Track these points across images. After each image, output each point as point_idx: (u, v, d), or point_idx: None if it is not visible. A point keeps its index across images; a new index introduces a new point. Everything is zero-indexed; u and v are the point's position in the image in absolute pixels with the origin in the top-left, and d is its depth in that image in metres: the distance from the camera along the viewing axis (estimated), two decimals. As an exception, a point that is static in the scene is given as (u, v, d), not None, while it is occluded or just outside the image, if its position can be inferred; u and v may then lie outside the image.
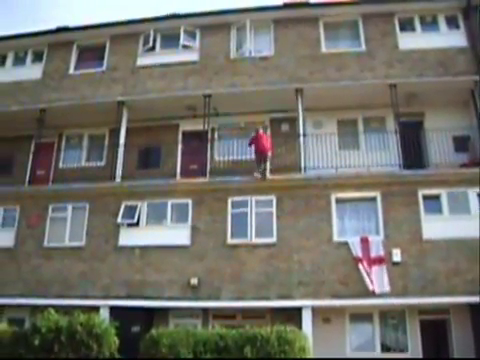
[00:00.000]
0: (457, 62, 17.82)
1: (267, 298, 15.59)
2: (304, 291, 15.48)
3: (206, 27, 19.89)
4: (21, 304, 17.60)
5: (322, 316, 15.79)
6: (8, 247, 18.26)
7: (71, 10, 59.45)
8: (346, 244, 15.75)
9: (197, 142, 18.52)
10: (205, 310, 16.71)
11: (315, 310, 15.34)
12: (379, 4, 18.95)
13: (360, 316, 15.94)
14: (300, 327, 14.28)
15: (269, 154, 17.15)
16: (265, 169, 16.91)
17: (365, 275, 15.15)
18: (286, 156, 17.90)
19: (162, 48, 20.02)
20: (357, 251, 15.54)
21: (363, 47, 18.63)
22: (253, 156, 17.37)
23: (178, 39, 19.70)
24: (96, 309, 15.52)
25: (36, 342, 12.33)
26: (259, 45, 19.41)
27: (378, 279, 15.07)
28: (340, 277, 15.45)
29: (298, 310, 15.29)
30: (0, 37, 21.69)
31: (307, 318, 15.11)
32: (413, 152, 17.07)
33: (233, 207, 16.82)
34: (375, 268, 15.25)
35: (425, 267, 15.24)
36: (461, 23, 18.58)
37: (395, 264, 15.30)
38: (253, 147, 17.29)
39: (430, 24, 18.87)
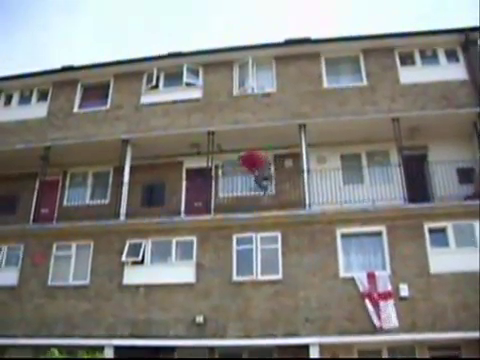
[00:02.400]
0: (458, 95, 17.95)
1: (274, 336, 15.37)
2: (311, 328, 15.27)
3: (209, 65, 20.11)
4: (24, 344, 17.39)
5: (330, 353, 15.43)
6: (12, 286, 18.14)
7: (74, 50, 60.32)
8: (352, 280, 15.58)
9: (201, 179, 18.53)
10: (211, 348, 16.43)
11: (322, 347, 15.08)
12: (379, 39, 19.16)
13: (369, 353, 15.56)
14: None
15: (265, 163, 17.40)
16: (266, 185, 17.06)
17: (372, 311, 14.95)
18: (290, 192, 17.89)
19: (165, 86, 20.24)
20: (364, 287, 15.36)
21: (365, 82, 18.80)
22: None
23: (181, 77, 19.90)
24: (100, 348, 15.46)
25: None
26: (261, 82, 19.58)
27: (386, 315, 14.88)
28: (347, 313, 15.25)
29: (305, 347, 15.04)
30: (6, 77, 22.00)
31: (315, 355, 14.88)
32: (417, 185, 17.11)
33: (238, 244, 16.74)
34: (382, 303, 15.04)
35: (433, 301, 15.03)
36: (461, 56, 18.80)
37: (403, 299, 15.09)
38: (246, 166, 17.60)
39: (430, 58, 19.08)
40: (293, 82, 19.19)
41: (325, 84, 18.99)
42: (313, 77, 19.14)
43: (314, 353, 14.91)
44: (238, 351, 16.25)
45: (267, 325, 15.54)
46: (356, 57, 19.35)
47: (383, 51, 19.12)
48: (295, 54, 19.63)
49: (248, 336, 15.52)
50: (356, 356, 15.59)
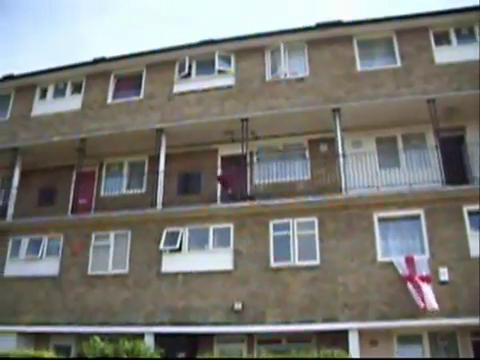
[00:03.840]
0: (495, 73, 17.47)
1: (312, 321, 15.35)
2: (350, 313, 15.20)
3: (240, 51, 20.00)
4: (67, 332, 17.84)
5: (369, 339, 15.36)
6: (53, 276, 18.63)
7: (107, 42, 60.77)
8: (391, 264, 15.39)
9: (236, 166, 18.51)
10: (250, 335, 16.55)
11: (362, 332, 15.02)
12: (413, 19, 18.67)
13: (409, 338, 15.44)
14: (347, 350, 14.01)
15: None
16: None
17: (415, 294, 14.68)
18: (326, 177, 17.78)
19: (198, 74, 20.22)
20: (403, 271, 15.18)
21: (399, 63, 18.41)
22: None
23: (213, 64, 19.89)
24: (140, 336, 15.63)
25: (83, 370, 12.44)
26: (294, 67, 19.39)
27: (427, 298, 14.66)
28: (386, 298, 15.11)
29: (344, 333, 14.98)
30: (40, 71, 22.28)
31: (354, 341, 14.80)
32: (455, 167, 16.69)
33: (275, 230, 16.74)
34: (423, 286, 14.81)
35: (474, 286, 14.66)
36: (497, 33, 18.25)
37: (443, 283, 14.86)
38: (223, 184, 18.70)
39: (466, 36, 18.53)
40: (326, 66, 18.93)
41: (358, 67, 18.67)
42: (346, 60, 18.84)
43: (353, 339, 14.84)
44: (277, 337, 16.27)
45: (305, 311, 15.53)
46: (389, 38, 18.93)
47: (417, 31, 18.63)
48: (327, 38, 19.31)
49: (286, 322, 15.53)
50: (395, 342, 15.42)
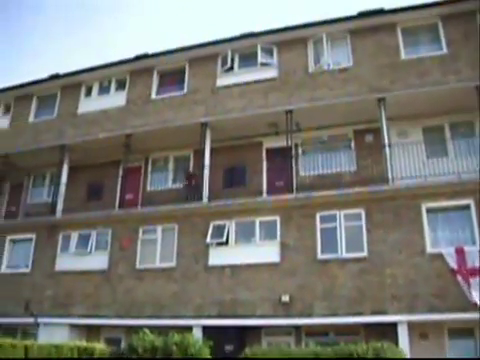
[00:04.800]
0: None
1: (360, 314, 15.21)
2: (398, 306, 14.98)
3: (282, 43, 19.88)
4: (117, 324, 18.20)
5: (419, 331, 15.08)
6: (102, 269, 19.01)
7: (150, 38, 61.28)
8: (440, 256, 15.10)
9: (281, 158, 18.47)
10: (298, 327, 16.53)
11: (411, 325, 14.76)
12: (459, 4, 18.09)
13: (460, 331, 15.01)
14: (396, 343, 13.69)
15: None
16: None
17: (465, 287, 14.43)
18: (372, 168, 17.54)
19: (240, 67, 20.20)
20: (453, 262, 14.89)
21: (445, 50, 17.92)
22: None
23: (256, 57, 19.83)
24: (189, 329, 15.73)
25: (134, 361, 12.62)
26: (337, 57, 19.18)
27: (476, 291, 14.36)
28: (436, 290, 14.82)
29: (393, 325, 14.78)
30: (85, 69, 22.71)
31: (403, 334, 14.56)
32: (506, 156, 16.31)
33: (322, 222, 16.66)
34: (472, 280, 14.51)
35: None
36: None
37: (494, 275, 14.48)
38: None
39: (515, 19, 17.94)
40: (369, 55, 18.63)
41: (403, 55, 18.28)
42: (390, 49, 18.48)
43: (402, 331, 14.61)
44: (324, 330, 16.19)
45: (353, 303, 15.40)
46: (434, 25, 18.44)
47: (463, 16, 18.04)
48: (370, 26, 18.98)
49: (334, 314, 15.45)
50: (446, 335, 15.06)
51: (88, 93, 22.89)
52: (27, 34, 67.39)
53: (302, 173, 18.89)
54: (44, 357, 13.29)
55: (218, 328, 16.23)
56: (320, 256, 16.25)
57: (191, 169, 20.54)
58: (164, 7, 64.09)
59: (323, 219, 16.68)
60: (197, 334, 15.61)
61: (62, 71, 23.49)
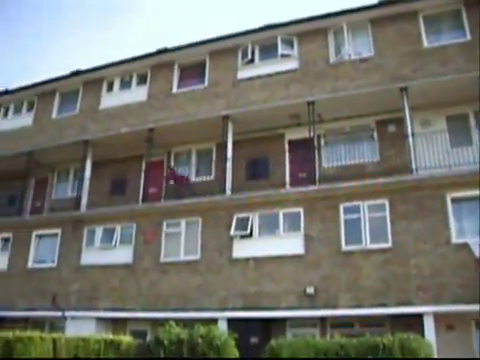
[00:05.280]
0: None
1: (385, 305, 15.11)
2: (424, 297, 14.85)
3: (302, 34, 19.76)
4: (142, 317, 18.36)
5: (445, 323, 14.91)
6: (127, 263, 19.18)
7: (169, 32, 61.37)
8: (466, 246, 14.94)
9: (304, 150, 18.39)
10: (322, 319, 16.51)
11: (437, 316, 14.59)
12: (484, -12, 17.69)
13: (486, 324, 14.90)
14: (422, 335, 13.58)
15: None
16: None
17: None
18: (395, 158, 17.43)
19: (261, 59, 20.12)
20: (478, 252, 14.69)
21: (468, 37, 17.53)
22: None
23: (276, 49, 19.73)
24: (214, 321, 15.72)
25: (160, 354, 12.73)
26: (358, 47, 19.01)
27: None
28: (462, 281, 14.64)
29: (419, 317, 14.65)
30: (106, 64, 22.86)
31: (429, 325, 14.40)
32: None
33: (345, 213, 16.58)
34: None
35: None
36: None
37: (521, 265, 14.25)
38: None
39: None
40: (391, 44, 18.39)
41: (425, 43, 17.99)
42: (412, 37, 18.21)
43: (428, 323, 14.46)
44: (349, 321, 16.15)
45: (378, 294, 15.32)
46: (457, 11, 18.07)
47: (488, 1, 17.72)
48: (391, 15, 18.71)
49: (359, 306, 15.38)
50: (474, 327, 14.90)
51: (110, 88, 23.05)
52: (45, 33, 67.94)
53: (325, 164, 18.79)
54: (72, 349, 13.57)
55: (243, 320, 16.27)
56: (344, 247, 16.18)
57: (172, 165, 21.34)
58: (180, 3, 64.12)
59: (347, 210, 16.59)
60: (222, 326, 15.60)
61: (80, 68, 23.65)
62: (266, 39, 20.14)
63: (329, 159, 18.82)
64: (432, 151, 16.81)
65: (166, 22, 66.00)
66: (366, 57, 18.62)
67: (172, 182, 21.13)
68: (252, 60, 20.14)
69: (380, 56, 18.39)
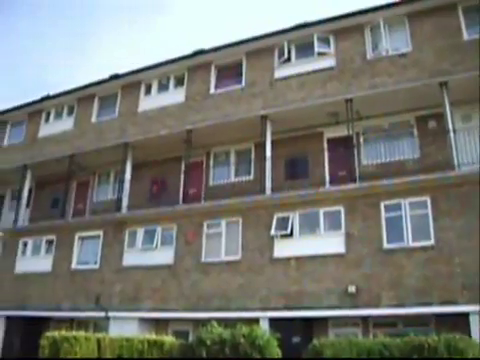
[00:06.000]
0: None
1: (429, 304, 14.83)
2: (469, 295, 14.45)
3: (338, 31, 19.59)
4: (184, 318, 18.57)
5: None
6: (169, 264, 19.37)
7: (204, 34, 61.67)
8: (512, 242, 14.58)
9: (343, 148, 18.26)
10: (365, 318, 16.38)
11: (483, 316, 14.25)
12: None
13: None
14: (469, 335, 13.21)
15: None
16: None
17: None
18: (436, 154, 17.18)
19: (297, 58, 20.05)
20: None
21: (511, 28, 17.11)
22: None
23: (312, 47, 19.63)
24: (255, 321, 15.74)
25: (203, 354, 12.83)
26: (395, 42, 18.71)
27: None
28: (509, 279, 14.29)
29: (465, 316, 14.31)
30: (144, 68, 23.14)
31: (475, 325, 13.96)
32: None
33: (386, 211, 16.36)
34: None
35: None
36: None
37: None
38: None
39: None
40: (429, 38, 18.03)
41: (465, 36, 17.56)
42: (451, 30, 17.79)
43: (474, 322, 14.03)
44: (392, 321, 15.95)
45: (421, 293, 15.05)
46: (499, 1, 17.64)
47: None
48: (428, 8, 18.30)
49: (402, 305, 15.13)
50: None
51: (148, 91, 23.30)
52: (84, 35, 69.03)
53: (364, 162, 18.61)
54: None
55: (285, 320, 16.28)
56: (386, 246, 15.97)
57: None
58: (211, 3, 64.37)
59: (388, 208, 16.37)
60: (264, 326, 15.61)
61: (118, 72, 24.03)
62: (302, 38, 20.05)
63: (368, 157, 18.66)
64: (474, 146, 16.45)
65: (195, 23, 66.33)
66: (404, 52, 18.31)
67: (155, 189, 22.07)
68: (288, 59, 20.07)
69: (418, 51, 18.08)
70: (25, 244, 23.98)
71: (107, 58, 66.45)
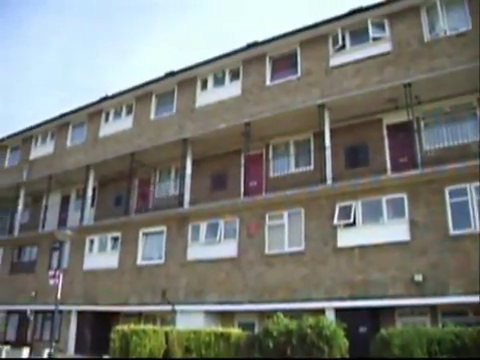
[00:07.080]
0: None
1: (501, 292, 14.34)
2: None
3: (393, 15, 19.09)
4: (249, 310, 18.75)
5: None
6: (232, 257, 19.58)
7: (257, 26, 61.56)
8: None
9: (403, 134, 17.87)
10: (433, 307, 16.06)
11: None
12: None
13: None
14: None
15: None
16: None
17: None
18: (500, 136, 16.60)
19: (352, 45, 19.77)
20: None
21: None
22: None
23: (367, 33, 19.30)
24: (321, 312, 15.84)
25: (270, 345, 12.97)
26: (454, 22, 18.04)
27: None
28: None
29: None
30: (199, 63, 23.37)
31: None
32: None
33: (451, 197, 15.95)
34: None
35: None
36: None
37: None
38: None
39: None
40: (490, 15, 17.30)
41: (526, 11, 16.82)
42: (514, 3, 17.00)
43: None
44: (462, 309, 15.56)
45: (492, 280, 14.55)
46: None
47: None
48: (488, -17, 17.53)
49: (471, 293, 14.53)
50: None
51: (204, 86, 23.53)
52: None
53: (426, 147, 18.15)
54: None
55: (350, 310, 16.22)
56: (452, 232, 15.58)
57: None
58: None
59: (452, 193, 15.96)
60: (329, 316, 15.68)
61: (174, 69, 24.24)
62: (356, 24, 19.73)
63: (430, 141, 18.19)
64: None
65: (247, 16, 66.18)
66: (463, 31, 17.63)
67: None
68: (343, 46, 19.82)
69: (478, 29, 17.40)
70: (92, 242, 24.87)
71: (156, 57, 67.25)
